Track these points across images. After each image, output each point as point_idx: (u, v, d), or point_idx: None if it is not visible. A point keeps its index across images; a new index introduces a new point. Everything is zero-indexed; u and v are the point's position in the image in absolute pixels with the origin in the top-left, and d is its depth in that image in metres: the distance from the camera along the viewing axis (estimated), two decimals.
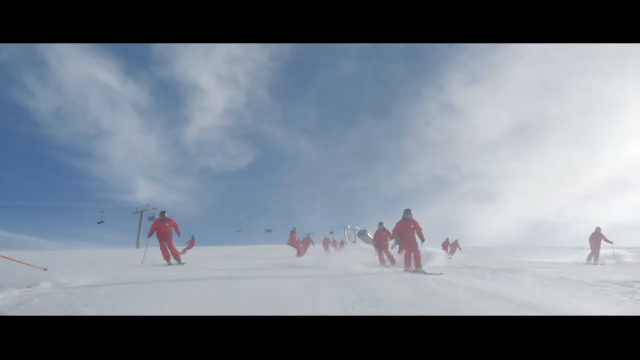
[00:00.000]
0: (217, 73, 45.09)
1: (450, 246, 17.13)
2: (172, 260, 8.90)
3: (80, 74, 38.04)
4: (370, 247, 12.97)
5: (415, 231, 7.32)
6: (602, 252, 11.58)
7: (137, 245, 28.66)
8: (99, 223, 29.21)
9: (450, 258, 13.70)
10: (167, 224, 9.00)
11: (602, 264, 10.61)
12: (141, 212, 31.09)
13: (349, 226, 35.02)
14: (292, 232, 14.14)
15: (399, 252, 8.33)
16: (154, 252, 9.58)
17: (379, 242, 9.31)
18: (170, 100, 44.94)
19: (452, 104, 48.45)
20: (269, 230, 36.25)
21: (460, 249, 17.28)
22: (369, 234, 30.21)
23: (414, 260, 7.19)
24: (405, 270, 7.13)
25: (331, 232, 28.63)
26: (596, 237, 11.66)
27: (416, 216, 7.50)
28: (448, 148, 49.55)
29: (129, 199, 45.03)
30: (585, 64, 46.30)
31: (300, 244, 14.44)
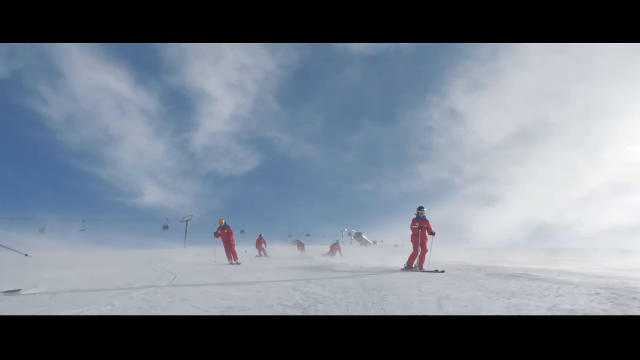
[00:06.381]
0: (226, 81, 44.97)
1: None
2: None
3: (92, 81, 38.88)
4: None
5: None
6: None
7: (185, 246, 34.14)
8: (81, 231, 32.55)
9: None
10: (225, 231, 10.73)
11: None
12: (187, 221, 36.99)
13: (346, 229, 38.93)
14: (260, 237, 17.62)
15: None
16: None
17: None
18: (179, 106, 44.56)
19: (456, 110, 48.38)
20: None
21: None
22: (364, 236, 38.71)
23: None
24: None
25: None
26: None
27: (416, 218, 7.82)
28: (451, 152, 49.50)
29: (137, 203, 43.07)
30: (586, 69, 46.29)
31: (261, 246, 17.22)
